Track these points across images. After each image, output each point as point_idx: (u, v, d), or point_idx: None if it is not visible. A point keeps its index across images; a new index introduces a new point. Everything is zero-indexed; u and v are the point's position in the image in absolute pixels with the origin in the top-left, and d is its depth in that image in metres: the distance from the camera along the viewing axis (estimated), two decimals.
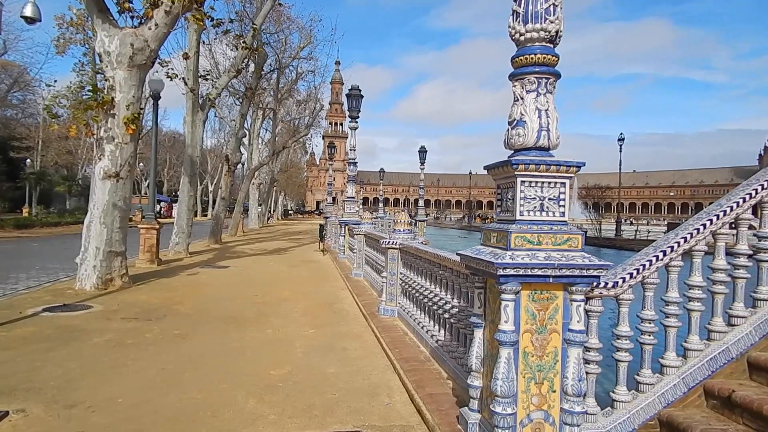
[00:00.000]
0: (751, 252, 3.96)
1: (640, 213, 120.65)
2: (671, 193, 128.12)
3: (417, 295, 6.43)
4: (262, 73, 24.83)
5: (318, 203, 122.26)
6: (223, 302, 9.06)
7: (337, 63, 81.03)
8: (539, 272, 3.06)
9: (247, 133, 32.84)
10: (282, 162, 49.49)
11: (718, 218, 3.84)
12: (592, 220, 44.75)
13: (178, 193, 19.04)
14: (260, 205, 44.87)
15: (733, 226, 3.97)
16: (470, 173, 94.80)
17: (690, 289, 3.80)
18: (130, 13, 10.29)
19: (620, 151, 40.14)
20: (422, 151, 30.13)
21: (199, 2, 10.90)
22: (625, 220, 53.30)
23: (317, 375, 5.17)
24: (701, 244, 3.83)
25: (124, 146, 9.97)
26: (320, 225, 23.87)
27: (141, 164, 50.81)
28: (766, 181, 3.99)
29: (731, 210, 3.87)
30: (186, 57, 16.46)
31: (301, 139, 42.38)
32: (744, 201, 3.92)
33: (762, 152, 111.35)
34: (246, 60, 20.27)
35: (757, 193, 3.96)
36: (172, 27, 10.43)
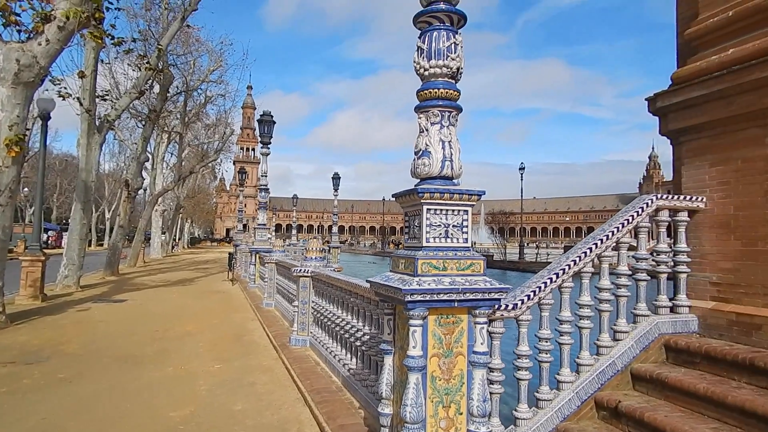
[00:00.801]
0: (630, 272, 4.38)
1: (540, 237, 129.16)
2: (567, 218, 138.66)
3: (329, 323, 6.35)
4: (168, 95, 23.78)
5: (228, 231, 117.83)
6: (117, 339, 8.35)
7: (249, 88, 79.58)
8: (445, 297, 3.16)
9: (151, 157, 31.10)
10: (189, 188, 47.29)
11: (602, 242, 4.22)
12: (497, 245, 47.18)
13: (69, 221, 17.45)
14: (164, 233, 42.34)
15: (615, 248, 4.38)
16: (384, 199, 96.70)
17: (580, 308, 4.12)
18: (17, 27, 9.46)
19: (521, 179, 43.02)
20: (336, 178, 30.24)
21: (98, 19, 10.30)
22: (528, 244, 56.78)
23: (222, 413, 4.90)
24: (588, 266, 4.18)
25: (5, 170, 9.02)
26: (229, 253, 22.95)
27: (26, 189, 46.12)
28: (640, 208, 4.47)
29: (612, 234, 4.27)
30: (82, 75, 15.37)
31: (210, 164, 40.87)
32: (623, 226, 4.35)
33: (641, 181, 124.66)
34: (150, 81, 19.33)
35: (633, 219, 4.41)
36: (65, 43, 9.72)
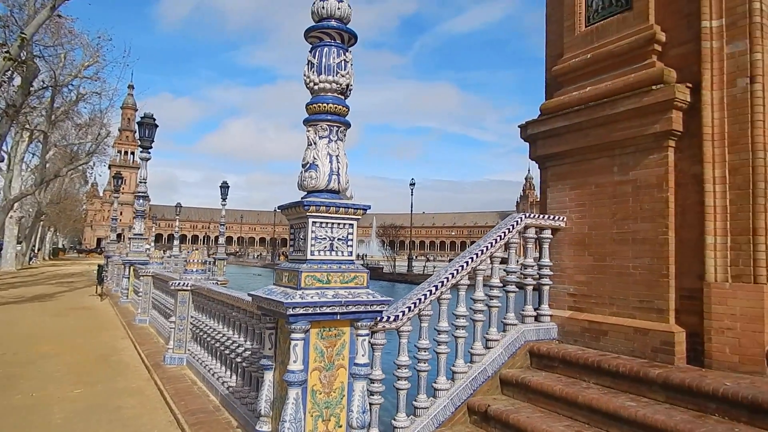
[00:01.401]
0: (501, 284, 4.75)
1: (428, 250, 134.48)
2: (453, 233, 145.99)
3: (209, 339, 6.04)
4: (32, 89, 21.22)
5: (99, 240, 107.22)
6: None
7: (131, 87, 74.02)
8: (328, 310, 3.17)
9: (6, 157, 27.44)
10: (53, 192, 42.39)
11: (477, 256, 4.52)
12: (387, 257, 48.26)
13: None
14: (20, 242, 37.44)
15: (490, 261, 4.72)
16: (276, 210, 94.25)
17: (457, 318, 4.36)
18: None
19: (412, 194, 44.63)
20: (224, 186, 28.98)
21: None
22: (417, 257, 58.93)
23: None
24: (465, 278, 4.45)
25: None
26: (99, 265, 20.89)
27: None
28: (511, 225, 4.87)
29: (487, 249, 4.60)
30: None
31: (80, 168, 37.04)
32: (496, 242, 4.70)
33: (518, 200, 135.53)
34: (10, 72, 17.13)
35: (505, 235, 4.79)
36: None
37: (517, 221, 4.90)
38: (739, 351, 3.79)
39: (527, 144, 5.67)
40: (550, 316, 4.98)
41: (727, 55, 4.05)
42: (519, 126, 5.68)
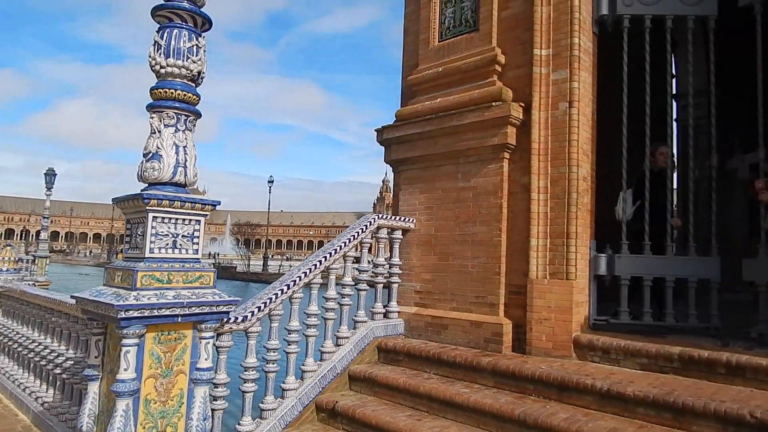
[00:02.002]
0: (354, 283, 4.85)
1: (285, 249, 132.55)
2: (311, 232, 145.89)
3: (21, 349, 5.20)
4: None
5: None
6: None
7: None
8: (167, 312, 2.95)
9: None
10: None
11: (330, 255, 4.56)
12: (242, 256, 46.51)
13: None
14: None
15: (343, 261, 4.79)
16: (114, 203, 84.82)
17: (308, 317, 4.35)
18: None
19: (270, 192, 43.54)
20: (50, 174, 25.30)
21: None
22: (273, 256, 57.66)
23: None
24: (318, 277, 4.46)
25: None
26: None
27: None
28: (365, 225, 5.00)
29: (341, 249, 4.66)
30: None
31: None
32: (350, 241, 4.79)
33: (376, 201, 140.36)
34: None
35: (359, 235, 4.90)
36: None
37: (370, 222, 5.05)
38: (553, 338, 4.36)
39: (383, 148, 5.89)
40: (398, 312, 5.22)
41: (553, 81, 4.64)
42: (375, 130, 5.87)
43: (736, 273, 4.51)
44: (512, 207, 4.74)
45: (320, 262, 4.46)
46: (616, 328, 4.46)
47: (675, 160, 5.91)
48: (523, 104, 4.70)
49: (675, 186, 6.30)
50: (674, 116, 7.17)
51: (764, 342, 4.02)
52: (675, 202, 6.29)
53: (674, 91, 7.69)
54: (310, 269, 4.36)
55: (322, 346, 4.47)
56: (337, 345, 4.59)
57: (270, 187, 43.28)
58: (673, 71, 7.80)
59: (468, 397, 3.79)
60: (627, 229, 4.67)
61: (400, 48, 6.16)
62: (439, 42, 5.54)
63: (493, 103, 4.73)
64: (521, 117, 4.69)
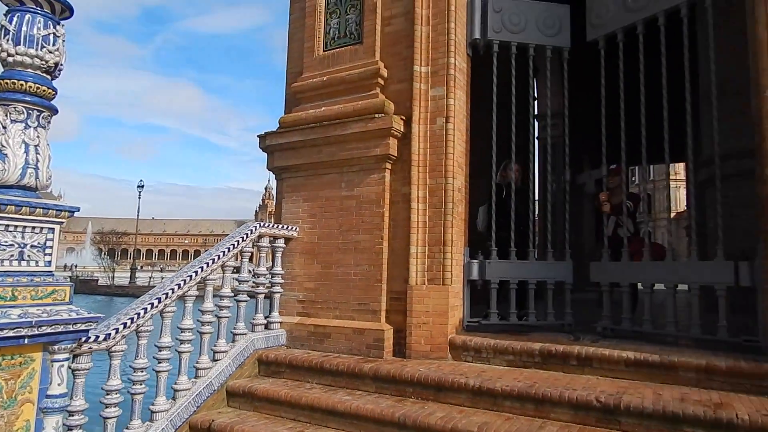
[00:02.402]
0: (233, 294, 4.66)
1: (157, 259, 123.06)
2: (186, 241, 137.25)
3: None
4: None
5: None
6: None
7: None
8: (11, 333, 2.59)
9: None
10: None
11: (207, 266, 4.33)
12: (104, 268, 42.17)
13: None
14: None
15: (222, 271, 4.58)
16: None
17: (182, 332, 4.08)
18: None
19: (139, 198, 40.19)
20: None
21: None
22: (142, 267, 53.06)
23: None
24: (193, 289, 4.21)
25: None
26: None
27: None
28: (245, 234, 4.83)
29: (219, 258, 4.45)
30: None
31: None
32: (229, 250, 4.59)
33: (257, 209, 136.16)
34: None
35: (239, 243, 4.72)
36: None
37: (251, 230, 4.90)
38: (430, 341, 4.57)
39: (267, 154, 5.76)
40: (280, 323, 5.11)
41: (431, 97, 4.90)
42: (258, 136, 5.72)
43: (585, 275, 5.13)
44: (393, 216, 4.90)
45: (196, 272, 4.21)
46: (487, 328, 4.81)
47: (532, 174, 6.52)
48: (404, 117, 4.89)
49: (537, 198, 7.00)
50: (536, 134, 7.99)
51: (607, 335, 4.61)
52: (537, 212, 6.96)
53: (536, 112, 8.58)
54: (185, 281, 4.10)
55: (197, 362, 4.21)
56: (215, 360, 4.36)
57: (140, 192, 39.97)
58: (535, 94, 8.69)
59: (350, 404, 3.81)
60: (496, 236, 5.08)
61: (285, 54, 6.10)
62: (324, 51, 5.57)
63: (376, 115, 4.87)
64: (402, 129, 4.88)
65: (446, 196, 4.71)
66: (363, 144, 4.99)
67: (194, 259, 4.52)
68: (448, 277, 4.63)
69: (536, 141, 7.92)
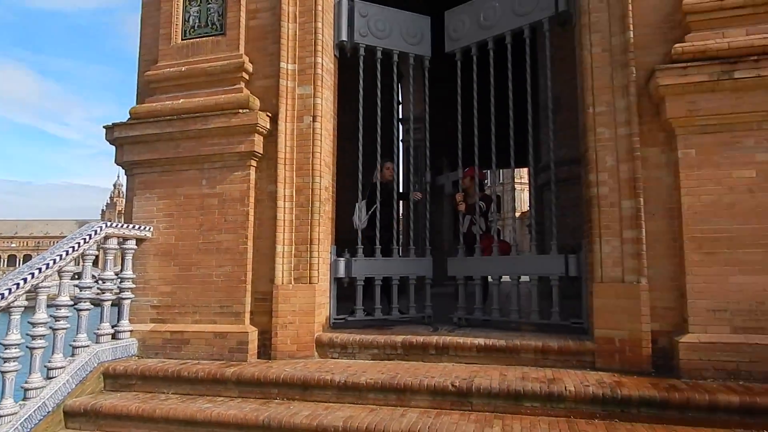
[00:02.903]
0: (72, 303, 4.14)
1: None
2: (14, 244, 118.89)
3: None
4: None
5: None
6: None
7: None
8: None
9: None
10: None
11: (40, 271, 3.79)
12: None
13: None
14: None
15: (59, 277, 4.04)
16: None
17: (6, 349, 3.52)
18: None
19: None
20: None
21: None
22: None
23: None
24: (22, 299, 3.66)
25: None
26: None
27: None
28: (88, 235, 4.33)
29: (54, 263, 3.93)
30: None
31: None
32: (68, 254, 4.08)
33: (105, 208, 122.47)
34: None
35: (80, 246, 4.21)
36: None
37: (96, 230, 4.40)
38: (297, 341, 4.52)
39: (115, 147, 5.22)
40: (131, 331, 4.67)
41: (298, 95, 4.85)
42: (105, 127, 5.17)
43: (444, 270, 5.49)
44: (259, 215, 4.77)
45: (25, 280, 3.66)
46: (353, 325, 4.90)
47: (396, 175, 6.82)
48: (270, 114, 4.78)
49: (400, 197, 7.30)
50: (400, 137, 8.33)
51: (462, 324, 4.98)
52: (401, 211, 7.28)
53: (400, 116, 8.96)
54: (10, 290, 3.54)
55: (26, 382, 3.67)
56: (49, 378, 3.83)
57: None
58: (400, 99, 9.08)
59: (211, 411, 3.62)
60: (362, 234, 5.19)
61: (138, 39, 5.58)
62: (182, 40, 5.22)
63: (241, 110, 4.69)
64: (268, 126, 4.76)
65: (313, 195, 4.70)
66: (226, 140, 4.78)
67: (22, 264, 3.91)
68: (315, 275, 4.63)
69: (400, 143, 8.27)
